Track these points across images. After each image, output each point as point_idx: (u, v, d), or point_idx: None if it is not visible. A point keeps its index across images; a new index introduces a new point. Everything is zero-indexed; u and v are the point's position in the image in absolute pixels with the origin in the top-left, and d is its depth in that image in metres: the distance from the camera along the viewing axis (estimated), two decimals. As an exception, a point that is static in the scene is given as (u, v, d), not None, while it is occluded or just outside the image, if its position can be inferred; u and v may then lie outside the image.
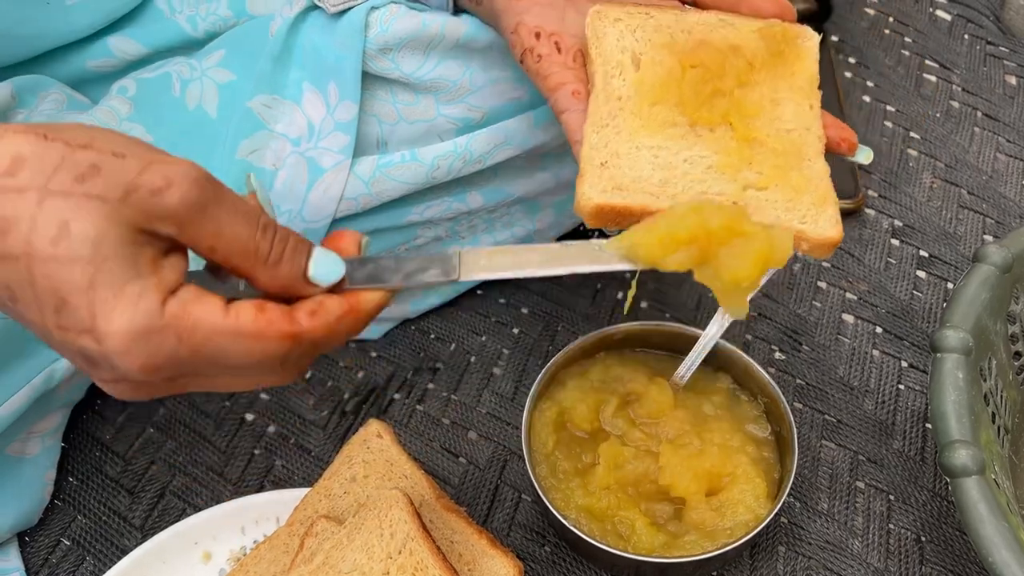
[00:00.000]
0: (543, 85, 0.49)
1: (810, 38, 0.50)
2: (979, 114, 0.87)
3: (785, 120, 0.47)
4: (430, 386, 0.68)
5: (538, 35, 0.50)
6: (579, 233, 0.75)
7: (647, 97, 0.47)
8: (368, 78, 0.58)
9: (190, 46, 0.63)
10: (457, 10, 0.58)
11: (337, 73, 0.57)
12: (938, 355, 0.55)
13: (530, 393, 0.58)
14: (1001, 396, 0.59)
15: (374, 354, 0.70)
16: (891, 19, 0.95)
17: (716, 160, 0.46)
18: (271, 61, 0.58)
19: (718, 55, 0.48)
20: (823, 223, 0.45)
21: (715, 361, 0.61)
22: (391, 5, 0.55)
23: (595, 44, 0.49)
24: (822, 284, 0.74)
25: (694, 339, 0.60)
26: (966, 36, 0.93)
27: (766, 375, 0.59)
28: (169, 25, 0.62)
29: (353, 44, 0.56)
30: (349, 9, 0.56)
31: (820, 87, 0.49)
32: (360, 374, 0.69)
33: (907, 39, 0.93)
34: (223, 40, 0.61)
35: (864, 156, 0.50)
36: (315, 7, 0.58)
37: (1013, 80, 0.90)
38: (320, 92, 0.58)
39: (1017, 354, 0.61)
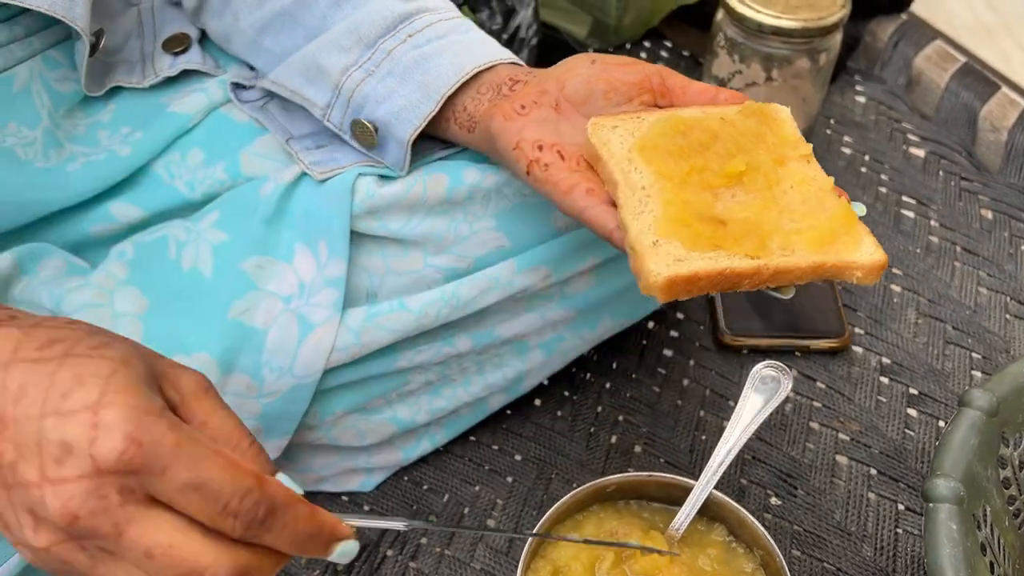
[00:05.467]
0: (554, 190, 0.53)
1: (781, 110, 0.56)
2: (958, 248, 0.89)
3: (793, 176, 0.53)
4: (423, 541, 0.68)
5: (540, 147, 0.53)
6: (568, 373, 0.76)
7: (667, 183, 0.51)
8: (357, 235, 0.60)
9: (189, 208, 0.64)
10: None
11: (327, 233, 0.59)
12: (930, 505, 0.54)
13: (523, 554, 0.57)
14: (999, 543, 0.58)
15: (367, 508, 0.69)
16: (867, 157, 0.98)
17: (753, 215, 0.51)
18: (263, 224, 0.60)
19: (712, 131, 0.53)
20: (866, 249, 0.50)
21: (709, 512, 0.61)
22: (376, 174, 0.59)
23: (603, 147, 0.52)
24: (814, 424, 0.74)
25: (688, 490, 0.60)
26: (940, 172, 0.96)
27: (760, 528, 0.59)
28: (169, 190, 0.64)
29: (341, 207, 0.59)
30: (336, 175, 0.59)
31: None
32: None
33: (883, 176, 0.96)
34: (218, 202, 0.63)
35: (859, 209, 0.53)
36: (306, 173, 0.61)
37: (989, 214, 0.92)
38: (311, 250, 0.60)
39: (1011, 498, 0.61)
